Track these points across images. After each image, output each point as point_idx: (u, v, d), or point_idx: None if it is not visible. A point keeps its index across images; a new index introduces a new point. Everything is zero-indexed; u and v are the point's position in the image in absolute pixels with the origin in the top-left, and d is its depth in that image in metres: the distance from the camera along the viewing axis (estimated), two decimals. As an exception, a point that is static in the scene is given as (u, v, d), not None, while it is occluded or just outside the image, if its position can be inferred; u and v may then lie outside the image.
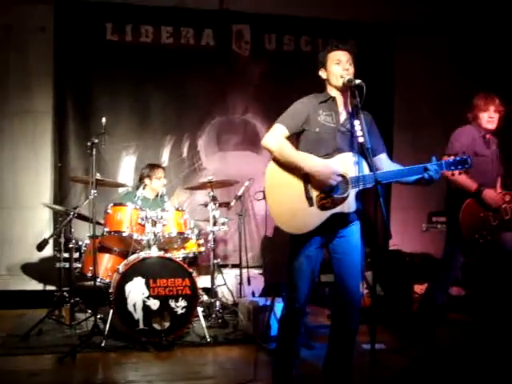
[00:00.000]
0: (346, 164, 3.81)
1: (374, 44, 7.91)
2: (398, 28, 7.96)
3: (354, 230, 3.96)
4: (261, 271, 7.15)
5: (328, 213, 3.79)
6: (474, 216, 4.98)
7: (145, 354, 5.05)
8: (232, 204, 6.50)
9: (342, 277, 3.96)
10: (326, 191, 3.78)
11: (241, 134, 7.62)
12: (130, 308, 5.20)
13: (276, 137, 3.89)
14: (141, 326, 5.20)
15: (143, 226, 5.58)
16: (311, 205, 3.80)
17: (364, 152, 3.69)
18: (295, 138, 3.98)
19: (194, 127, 7.47)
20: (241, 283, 6.59)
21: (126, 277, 5.25)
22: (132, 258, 5.49)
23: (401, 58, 8.02)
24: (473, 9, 7.82)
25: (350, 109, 3.97)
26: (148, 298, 5.23)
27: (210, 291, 6.12)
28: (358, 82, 3.75)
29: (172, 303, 5.29)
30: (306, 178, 3.82)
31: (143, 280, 5.25)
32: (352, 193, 3.78)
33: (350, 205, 3.80)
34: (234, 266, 7.06)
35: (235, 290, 6.71)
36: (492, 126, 5.15)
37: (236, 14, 7.51)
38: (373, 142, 3.77)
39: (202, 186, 6.33)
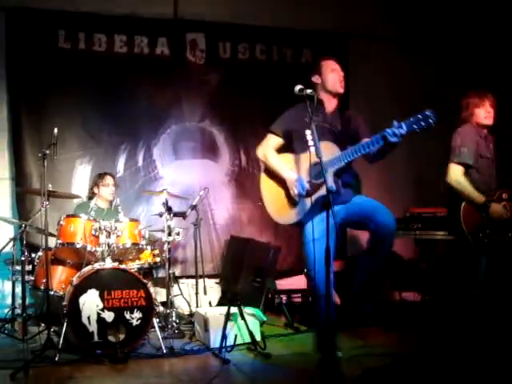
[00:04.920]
0: (324, 151, 4.05)
1: (328, 52, 7.94)
2: (352, 35, 8.06)
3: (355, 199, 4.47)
4: (218, 280, 7.13)
5: (312, 198, 4.17)
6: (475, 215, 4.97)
7: (99, 367, 4.96)
8: (187, 214, 6.48)
9: (371, 216, 4.32)
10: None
11: (197, 142, 7.59)
12: (85, 321, 5.11)
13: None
14: (95, 338, 5.11)
15: (97, 237, 5.51)
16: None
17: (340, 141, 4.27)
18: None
19: (149, 136, 7.42)
20: (197, 293, 6.55)
21: (80, 289, 5.16)
22: (86, 269, 5.40)
23: (357, 65, 8.07)
24: (425, 12, 7.98)
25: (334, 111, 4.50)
26: (102, 310, 5.15)
27: (166, 302, 6.07)
28: (309, 91, 3.80)
29: (127, 315, 5.22)
30: None
31: (97, 292, 5.17)
32: (329, 176, 4.11)
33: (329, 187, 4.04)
34: (190, 276, 7.00)
35: (193, 300, 6.66)
36: (490, 121, 5.13)
37: (190, 22, 7.50)
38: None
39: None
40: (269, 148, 4.58)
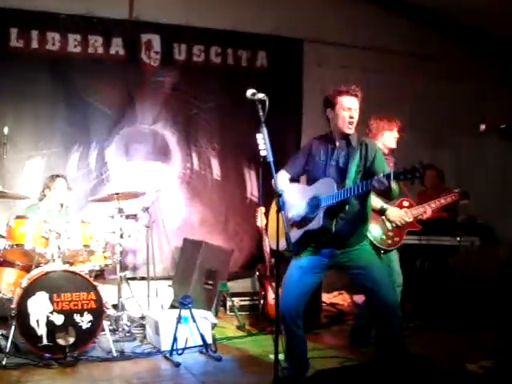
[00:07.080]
0: (321, 187, 4.19)
1: (283, 56, 8.03)
2: (307, 40, 8.11)
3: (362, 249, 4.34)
4: (170, 283, 7.10)
5: (301, 230, 4.21)
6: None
7: (48, 371, 4.90)
8: (139, 216, 6.45)
9: (372, 288, 4.26)
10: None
11: (149, 144, 7.54)
12: (33, 324, 5.04)
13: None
14: (44, 341, 5.05)
15: (47, 238, 5.44)
16: (292, 225, 4.25)
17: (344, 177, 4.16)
18: None
19: (101, 137, 7.32)
20: (149, 296, 6.52)
21: (29, 291, 5.09)
22: (35, 272, 5.34)
23: (312, 70, 8.16)
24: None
25: (343, 146, 4.32)
26: (52, 312, 5.09)
27: (117, 304, 6.03)
28: (260, 96, 3.82)
29: (77, 318, 5.17)
30: None
31: (47, 294, 5.11)
32: (320, 212, 4.11)
33: (317, 222, 4.12)
34: (142, 278, 6.97)
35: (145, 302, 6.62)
36: (394, 145, 5.39)
37: (146, 23, 7.44)
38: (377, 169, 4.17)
39: (109, 198, 6.21)
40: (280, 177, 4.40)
